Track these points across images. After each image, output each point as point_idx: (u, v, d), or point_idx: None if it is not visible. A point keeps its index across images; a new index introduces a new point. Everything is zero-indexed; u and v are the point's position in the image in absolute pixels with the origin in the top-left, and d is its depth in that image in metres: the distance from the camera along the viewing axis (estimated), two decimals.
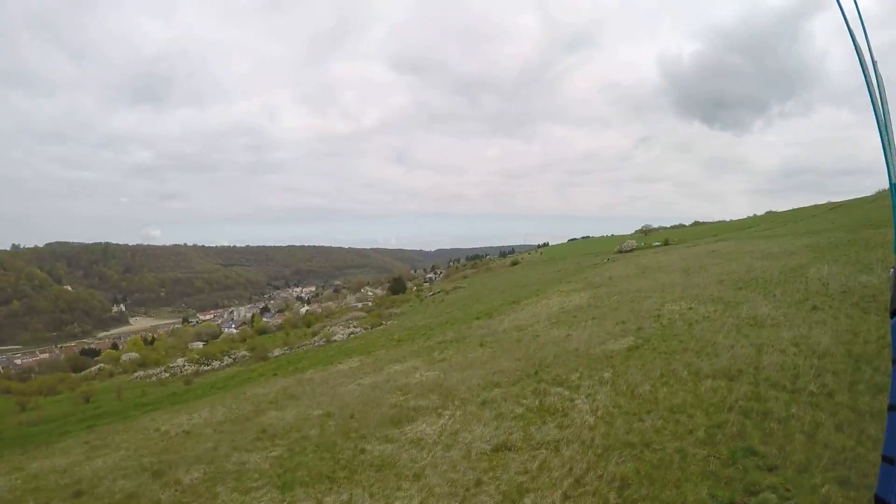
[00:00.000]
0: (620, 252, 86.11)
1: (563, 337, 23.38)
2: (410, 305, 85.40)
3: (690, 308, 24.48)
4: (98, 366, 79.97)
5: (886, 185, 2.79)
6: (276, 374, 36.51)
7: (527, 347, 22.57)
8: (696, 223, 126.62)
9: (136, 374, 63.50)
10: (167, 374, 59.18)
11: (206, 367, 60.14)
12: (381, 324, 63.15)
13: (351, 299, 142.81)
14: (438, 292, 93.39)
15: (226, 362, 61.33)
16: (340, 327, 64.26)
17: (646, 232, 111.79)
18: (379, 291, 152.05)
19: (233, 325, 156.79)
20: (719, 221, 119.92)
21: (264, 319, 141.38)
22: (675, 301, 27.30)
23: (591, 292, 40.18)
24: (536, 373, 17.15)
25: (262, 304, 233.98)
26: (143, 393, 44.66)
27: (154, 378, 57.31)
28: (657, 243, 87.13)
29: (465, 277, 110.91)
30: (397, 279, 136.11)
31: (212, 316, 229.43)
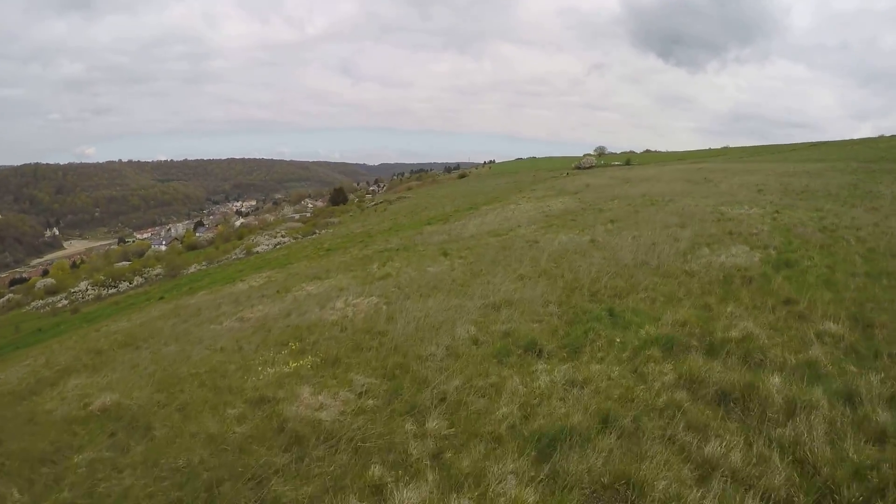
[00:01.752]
0: (579, 168, 77.15)
1: (585, 244, 13.60)
2: (350, 215, 74.87)
3: (777, 212, 15.24)
4: (6, 296, 66.56)
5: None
6: (162, 298, 27.60)
7: (532, 258, 12.62)
8: (648, 151, 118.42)
9: (34, 304, 51.68)
10: (66, 302, 47.91)
11: (110, 291, 48.70)
12: (313, 233, 52.53)
13: (289, 210, 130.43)
14: (381, 202, 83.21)
15: (136, 283, 49.90)
16: (266, 237, 53.08)
17: (600, 153, 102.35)
18: (320, 203, 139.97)
19: (163, 243, 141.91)
20: (673, 151, 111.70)
21: (197, 234, 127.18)
22: (730, 205, 18.20)
23: (571, 197, 30.96)
24: (611, 312, 7.08)
25: (199, 220, 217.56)
26: (18, 329, 34.19)
27: (48, 308, 46.04)
28: (617, 163, 78.31)
29: (409, 189, 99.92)
30: (338, 189, 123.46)
31: (149, 234, 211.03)
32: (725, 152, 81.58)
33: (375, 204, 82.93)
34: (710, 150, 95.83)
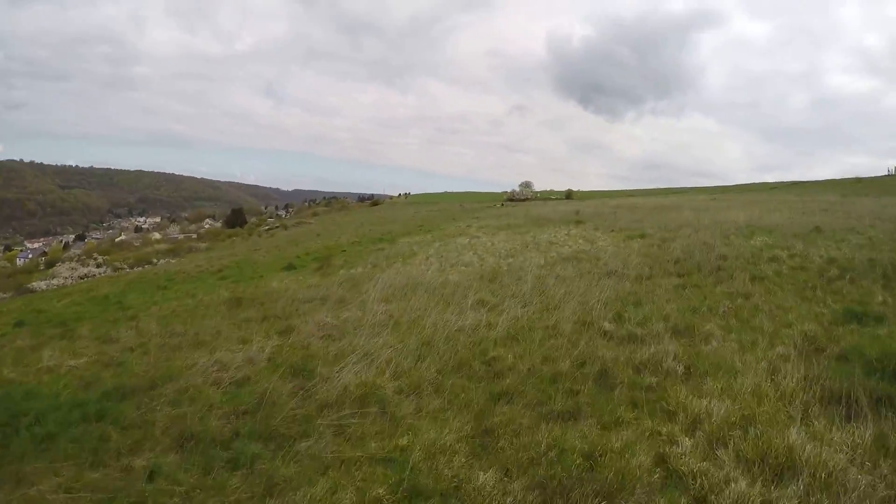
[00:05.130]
0: (512, 200, 62.66)
1: None
2: (233, 240, 56.27)
3: None
4: None
5: None
6: None
7: None
8: (570, 191, 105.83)
9: None
10: None
11: None
12: (150, 262, 33.72)
13: (174, 230, 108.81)
14: (277, 227, 66.15)
15: None
16: (71, 268, 33.42)
17: (526, 186, 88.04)
18: (219, 225, 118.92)
19: (28, 255, 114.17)
20: (595, 190, 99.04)
21: (71, 251, 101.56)
22: None
23: (593, 231, 14.38)
24: None
25: (97, 234, 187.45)
26: None
27: None
28: (555, 197, 63.87)
29: (315, 215, 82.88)
30: (237, 211, 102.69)
31: (41, 244, 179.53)
32: (657, 193, 69.71)
33: (268, 228, 66.08)
34: (650, 189, 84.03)
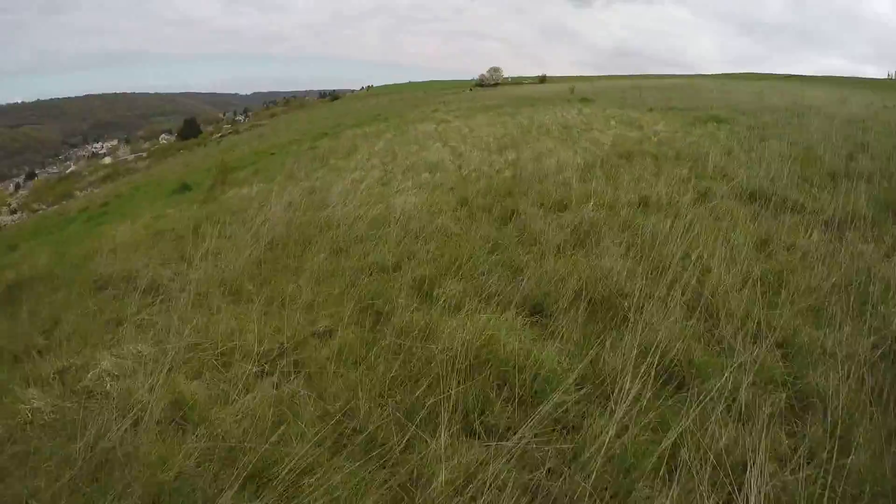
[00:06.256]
0: (482, 86, 57.94)
1: None
2: (182, 153, 51.31)
3: None
4: None
5: None
6: None
7: None
8: (544, 76, 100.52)
9: None
10: None
11: None
12: (72, 195, 29.21)
13: (125, 151, 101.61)
14: (229, 133, 61.99)
15: None
16: None
17: (496, 71, 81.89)
18: (174, 139, 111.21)
19: None
20: (569, 75, 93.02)
21: (19, 192, 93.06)
22: None
23: (611, 107, 9.53)
24: None
25: (54, 168, 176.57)
26: None
27: None
28: (529, 81, 59.42)
29: (272, 116, 77.93)
30: (189, 122, 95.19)
31: None
32: (653, 77, 65.97)
33: (221, 136, 61.83)
34: (630, 75, 78.50)
